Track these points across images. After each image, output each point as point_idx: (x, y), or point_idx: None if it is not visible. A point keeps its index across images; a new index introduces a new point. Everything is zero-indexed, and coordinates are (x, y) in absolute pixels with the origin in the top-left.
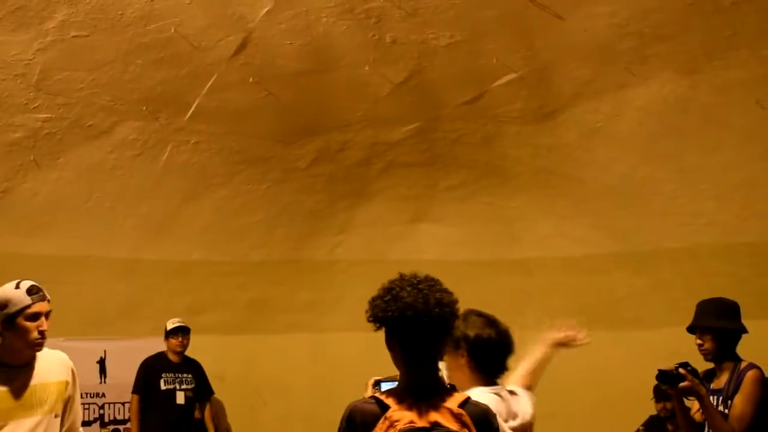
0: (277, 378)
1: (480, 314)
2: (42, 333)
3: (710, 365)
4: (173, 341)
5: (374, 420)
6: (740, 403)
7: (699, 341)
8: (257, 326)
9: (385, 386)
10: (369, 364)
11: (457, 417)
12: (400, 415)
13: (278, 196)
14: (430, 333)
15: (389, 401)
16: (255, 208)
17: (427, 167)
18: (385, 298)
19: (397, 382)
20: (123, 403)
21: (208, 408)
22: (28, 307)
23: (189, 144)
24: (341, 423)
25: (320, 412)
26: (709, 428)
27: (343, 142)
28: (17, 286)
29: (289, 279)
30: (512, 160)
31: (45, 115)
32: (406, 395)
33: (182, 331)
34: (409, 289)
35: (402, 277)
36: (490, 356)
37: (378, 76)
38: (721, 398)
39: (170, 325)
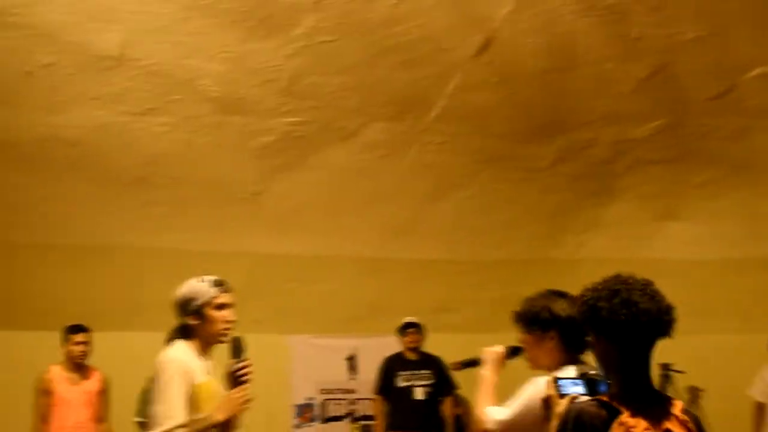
0: (522, 376)
1: (562, 294)
2: (230, 322)
3: None
4: (406, 339)
5: (603, 424)
6: None
7: None
8: (501, 324)
9: (564, 384)
10: None
11: (683, 423)
12: (635, 421)
13: (521, 195)
14: (655, 338)
15: (621, 406)
16: (498, 207)
17: (675, 164)
18: (613, 301)
19: (576, 381)
20: (373, 399)
21: (448, 403)
22: (215, 298)
23: (434, 144)
24: (565, 423)
25: None
26: None
27: (587, 140)
28: (202, 280)
29: (532, 278)
30: (764, 155)
31: (295, 119)
32: (630, 400)
33: (413, 328)
34: (639, 292)
35: (622, 278)
36: (578, 335)
37: (622, 72)
38: None
39: (401, 323)
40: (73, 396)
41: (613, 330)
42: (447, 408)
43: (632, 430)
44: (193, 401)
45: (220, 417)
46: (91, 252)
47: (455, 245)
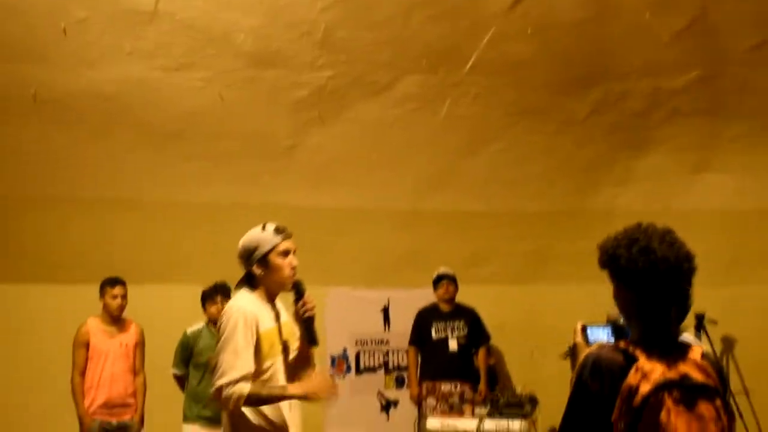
0: (556, 328)
1: None
2: (293, 268)
3: None
4: (440, 290)
5: (620, 370)
6: None
7: None
8: (535, 277)
9: (591, 332)
10: None
11: (701, 369)
12: (651, 366)
13: (556, 147)
14: (676, 286)
15: (636, 352)
16: (533, 160)
17: (712, 116)
18: (632, 249)
19: (604, 328)
20: (406, 351)
21: (481, 353)
22: (278, 244)
23: (468, 97)
24: (582, 370)
25: None
26: None
27: (622, 92)
28: (264, 228)
29: (567, 230)
30: None
31: (329, 73)
32: (649, 346)
33: (447, 279)
34: (658, 240)
35: (643, 227)
36: None
37: (659, 22)
38: None
39: (435, 275)
40: (110, 348)
41: (631, 277)
42: (480, 359)
43: (649, 375)
44: (259, 349)
45: (297, 392)
46: (128, 206)
47: (489, 198)
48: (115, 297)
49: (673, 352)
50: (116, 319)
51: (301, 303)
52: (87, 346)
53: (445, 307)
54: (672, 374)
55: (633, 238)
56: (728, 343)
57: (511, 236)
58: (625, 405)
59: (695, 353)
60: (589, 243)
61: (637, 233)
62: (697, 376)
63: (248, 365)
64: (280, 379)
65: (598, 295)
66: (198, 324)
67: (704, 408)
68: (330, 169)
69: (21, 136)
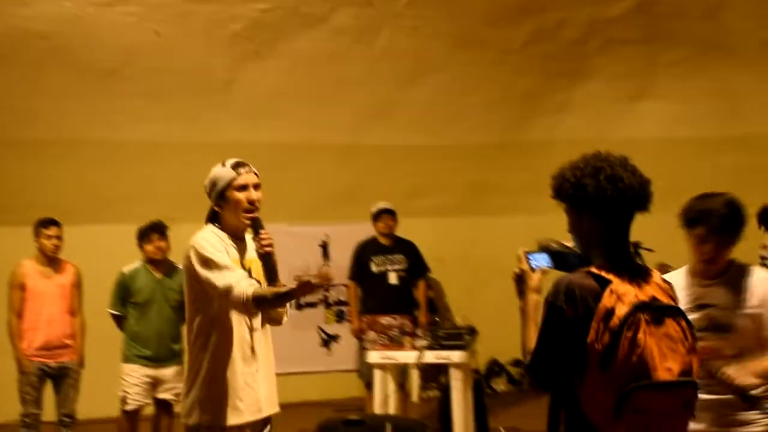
0: (495, 259)
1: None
2: (252, 202)
3: None
4: (379, 224)
5: (594, 294)
6: None
7: None
8: (475, 208)
9: (533, 258)
10: None
11: (664, 291)
12: (624, 289)
13: (494, 78)
14: (635, 212)
15: (609, 276)
16: (471, 91)
17: (647, 43)
18: (599, 177)
19: (541, 254)
20: (346, 285)
21: (421, 286)
22: (235, 179)
23: (405, 29)
24: (556, 296)
25: None
26: None
27: (559, 21)
28: (223, 164)
29: (506, 161)
30: (737, 33)
31: (263, 5)
32: (616, 270)
33: (387, 213)
34: (622, 169)
35: (602, 156)
36: None
37: None
38: None
39: (374, 209)
40: (46, 289)
41: (599, 205)
42: (420, 291)
43: (623, 297)
44: None
45: (296, 288)
46: (62, 146)
47: (428, 130)
48: (49, 237)
49: (637, 275)
50: (52, 261)
51: (257, 239)
52: (23, 287)
53: (384, 241)
54: (643, 296)
55: (597, 167)
56: (664, 271)
57: (450, 168)
58: (601, 327)
59: (657, 276)
60: (528, 174)
61: (600, 162)
62: (662, 297)
63: (239, 269)
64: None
65: (537, 226)
66: (135, 263)
67: (672, 328)
68: (268, 103)
69: None
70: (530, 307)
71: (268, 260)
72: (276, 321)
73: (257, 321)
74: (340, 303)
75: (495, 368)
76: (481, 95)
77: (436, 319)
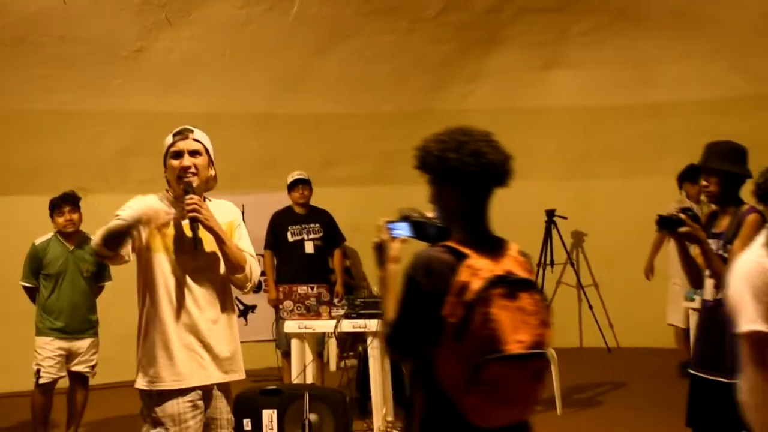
0: None
1: None
2: (184, 168)
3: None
4: (295, 194)
5: (450, 268)
6: (738, 246)
7: (704, 183)
8: (391, 177)
9: (394, 227)
10: (501, 211)
11: (521, 264)
12: (480, 263)
13: (408, 46)
14: (495, 187)
15: (466, 250)
16: (385, 60)
17: (559, 12)
18: (462, 151)
19: (401, 223)
20: (262, 255)
21: (337, 255)
22: (171, 146)
23: None
24: (415, 269)
25: None
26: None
27: None
28: (172, 132)
29: (421, 129)
30: (647, 1)
31: None
32: (474, 244)
33: (302, 183)
34: (485, 144)
35: (465, 130)
36: None
37: None
38: (721, 242)
39: (290, 179)
40: None
41: (460, 179)
42: (336, 261)
43: (479, 272)
44: (149, 243)
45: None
46: None
47: (342, 99)
48: None
49: (495, 249)
50: None
51: (182, 205)
52: None
53: (300, 210)
54: (498, 270)
55: (461, 141)
56: (578, 238)
57: (365, 137)
58: (456, 300)
59: (513, 250)
60: None
61: (464, 136)
62: (518, 271)
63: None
64: (167, 272)
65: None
66: (47, 235)
67: (525, 301)
68: (180, 72)
69: None
70: (389, 277)
71: (191, 226)
72: (238, 286)
73: (195, 285)
74: None
75: None
76: (395, 64)
77: (353, 287)
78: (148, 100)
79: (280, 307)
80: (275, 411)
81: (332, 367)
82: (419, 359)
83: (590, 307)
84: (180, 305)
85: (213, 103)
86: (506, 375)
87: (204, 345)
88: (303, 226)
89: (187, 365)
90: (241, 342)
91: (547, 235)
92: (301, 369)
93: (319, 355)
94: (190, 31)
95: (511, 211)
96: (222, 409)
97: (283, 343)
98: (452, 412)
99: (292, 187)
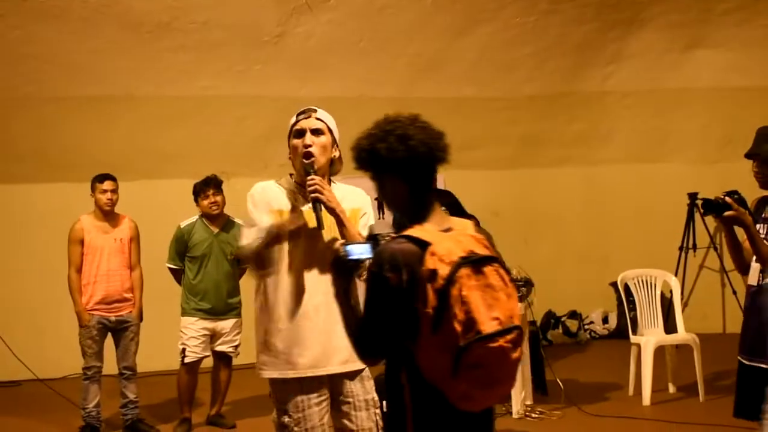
0: (550, 211)
1: None
2: (306, 146)
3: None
4: None
5: (416, 258)
6: None
7: (755, 168)
8: (529, 160)
9: (353, 251)
10: (642, 195)
11: (479, 241)
12: (443, 248)
13: (547, 28)
14: (436, 165)
15: (427, 237)
16: (524, 42)
17: None
18: (389, 139)
19: (367, 245)
20: None
21: None
22: (294, 125)
23: None
24: (380, 266)
25: (593, 244)
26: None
27: None
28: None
29: (560, 112)
30: None
31: None
32: (434, 230)
33: None
34: (410, 126)
35: (391, 118)
36: None
37: None
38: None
39: None
40: (104, 244)
41: (395, 167)
42: None
43: (444, 257)
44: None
45: (275, 224)
46: (116, 102)
47: (483, 81)
48: (104, 192)
49: (451, 230)
50: (108, 215)
51: (307, 181)
52: (81, 242)
53: None
54: (461, 251)
55: (386, 130)
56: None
57: (503, 120)
58: (427, 289)
59: (469, 228)
60: (583, 125)
61: (389, 125)
62: (479, 249)
63: (264, 225)
64: (284, 259)
65: (592, 176)
66: (192, 218)
67: (492, 278)
68: (318, 57)
69: (6, 36)
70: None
71: (314, 206)
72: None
73: (315, 275)
74: None
75: (551, 320)
76: (533, 46)
77: None
78: (287, 84)
79: None
80: None
81: None
82: (397, 355)
83: (734, 292)
84: (301, 290)
85: (351, 87)
86: (489, 354)
87: (326, 332)
88: None
89: (306, 353)
90: None
91: (690, 218)
92: None
93: None
94: (328, 16)
95: (651, 194)
96: (356, 391)
97: None
98: (440, 401)
99: None
